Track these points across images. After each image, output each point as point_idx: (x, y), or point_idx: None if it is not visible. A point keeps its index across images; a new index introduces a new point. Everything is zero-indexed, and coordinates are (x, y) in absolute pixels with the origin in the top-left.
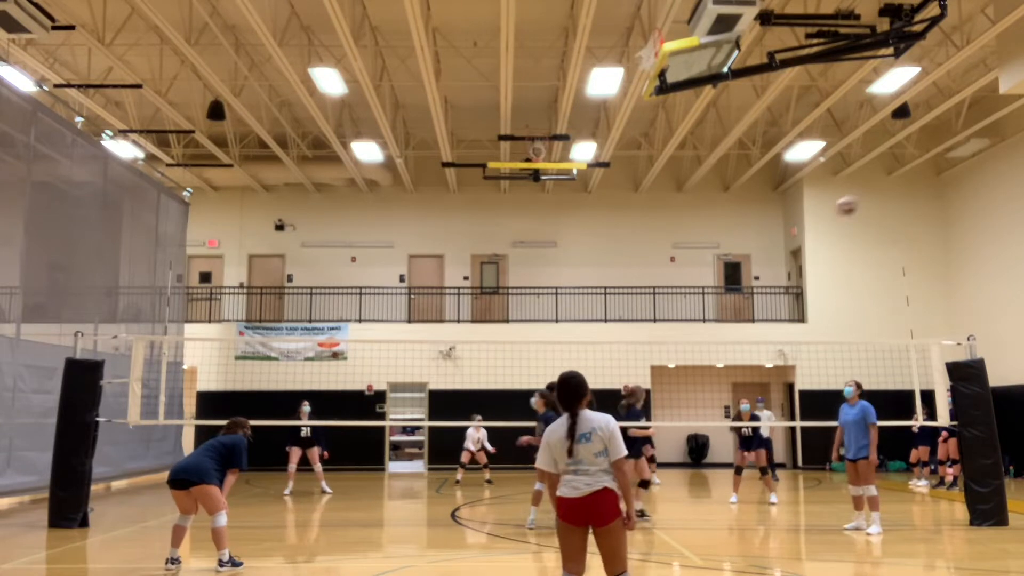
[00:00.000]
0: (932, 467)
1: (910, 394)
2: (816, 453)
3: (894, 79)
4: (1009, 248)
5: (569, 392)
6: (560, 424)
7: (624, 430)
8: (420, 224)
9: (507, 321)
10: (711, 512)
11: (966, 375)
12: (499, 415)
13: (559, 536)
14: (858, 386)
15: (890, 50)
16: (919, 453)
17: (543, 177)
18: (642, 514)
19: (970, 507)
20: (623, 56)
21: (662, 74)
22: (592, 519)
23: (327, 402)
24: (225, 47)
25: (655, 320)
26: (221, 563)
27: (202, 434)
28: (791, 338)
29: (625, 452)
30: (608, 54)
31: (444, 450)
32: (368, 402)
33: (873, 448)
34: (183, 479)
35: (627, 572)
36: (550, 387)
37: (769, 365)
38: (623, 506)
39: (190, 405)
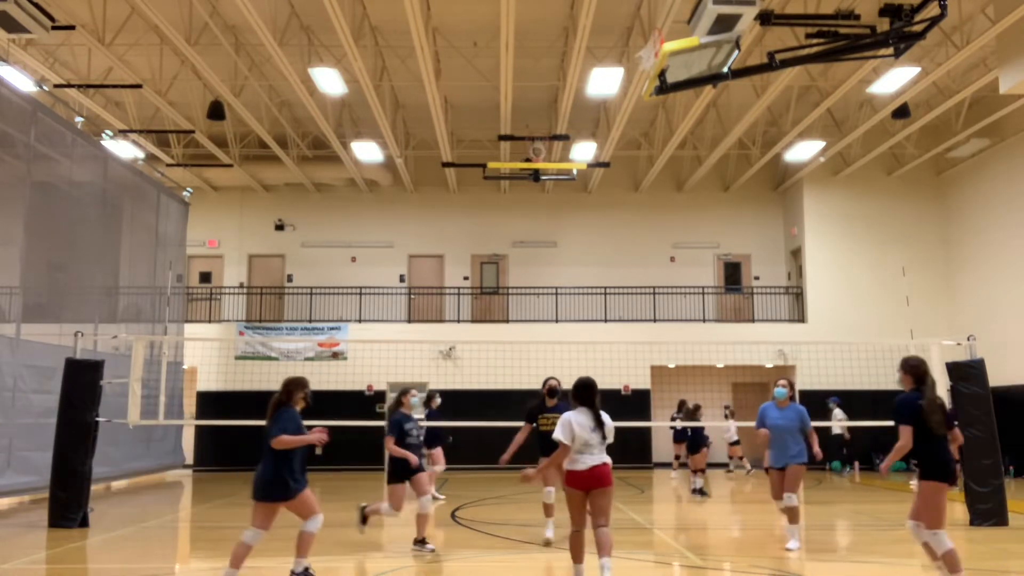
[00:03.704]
0: None
1: None
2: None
3: (894, 79)
4: (1009, 248)
5: (589, 392)
6: (584, 415)
7: None
8: (420, 224)
9: (507, 321)
10: (711, 512)
11: (966, 375)
12: (499, 415)
13: (567, 499)
14: (791, 387)
15: (890, 50)
16: None
17: (543, 177)
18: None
19: (970, 507)
20: (623, 56)
21: (662, 74)
22: (593, 484)
23: (327, 402)
24: (225, 47)
25: (655, 320)
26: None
27: (202, 434)
28: (791, 338)
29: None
30: (608, 54)
31: (443, 450)
32: (368, 402)
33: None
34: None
35: (608, 525)
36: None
37: (769, 365)
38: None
39: (190, 405)
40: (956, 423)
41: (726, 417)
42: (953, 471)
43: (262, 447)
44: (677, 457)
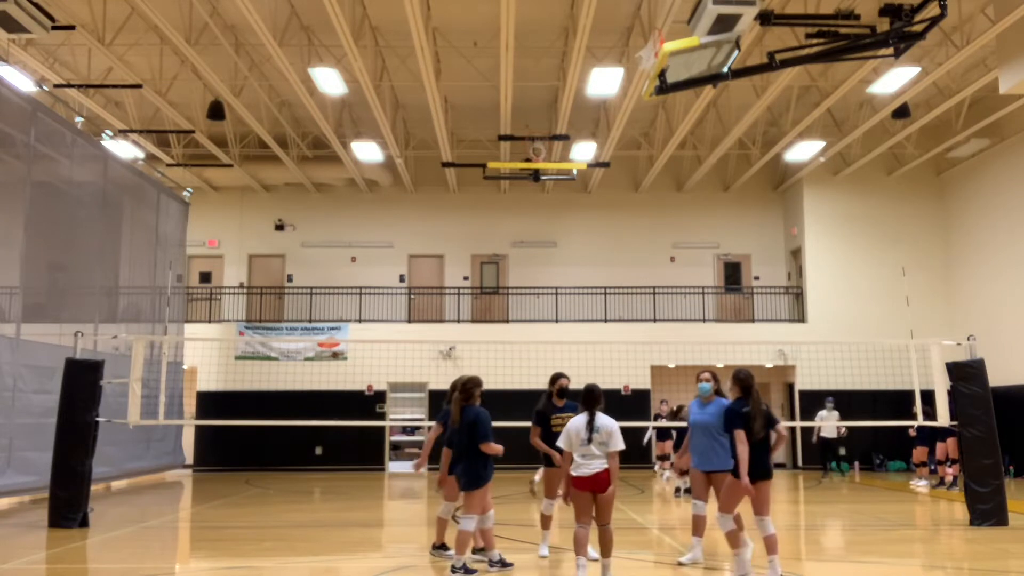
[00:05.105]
0: (932, 467)
1: (910, 394)
2: (816, 453)
3: (894, 79)
4: (1009, 248)
5: (591, 398)
6: (581, 419)
7: None
8: (420, 224)
9: (507, 321)
10: (709, 512)
11: (966, 375)
12: (499, 415)
13: (573, 500)
14: (716, 380)
15: (890, 50)
16: (920, 453)
17: (543, 177)
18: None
19: (970, 507)
20: (623, 56)
21: (662, 74)
22: (594, 488)
23: (327, 402)
24: (225, 47)
25: (655, 320)
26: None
27: (202, 434)
28: (791, 338)
29: (622, 447)
30: (608, 54)
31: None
32: (368, 402)
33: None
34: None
35: (611, 524)
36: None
37: (769, 365)
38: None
39: (190, 405)
40: (777, 422)
41: None
42: (768, 469)
43: (460, 443)
44: (659, 457)
